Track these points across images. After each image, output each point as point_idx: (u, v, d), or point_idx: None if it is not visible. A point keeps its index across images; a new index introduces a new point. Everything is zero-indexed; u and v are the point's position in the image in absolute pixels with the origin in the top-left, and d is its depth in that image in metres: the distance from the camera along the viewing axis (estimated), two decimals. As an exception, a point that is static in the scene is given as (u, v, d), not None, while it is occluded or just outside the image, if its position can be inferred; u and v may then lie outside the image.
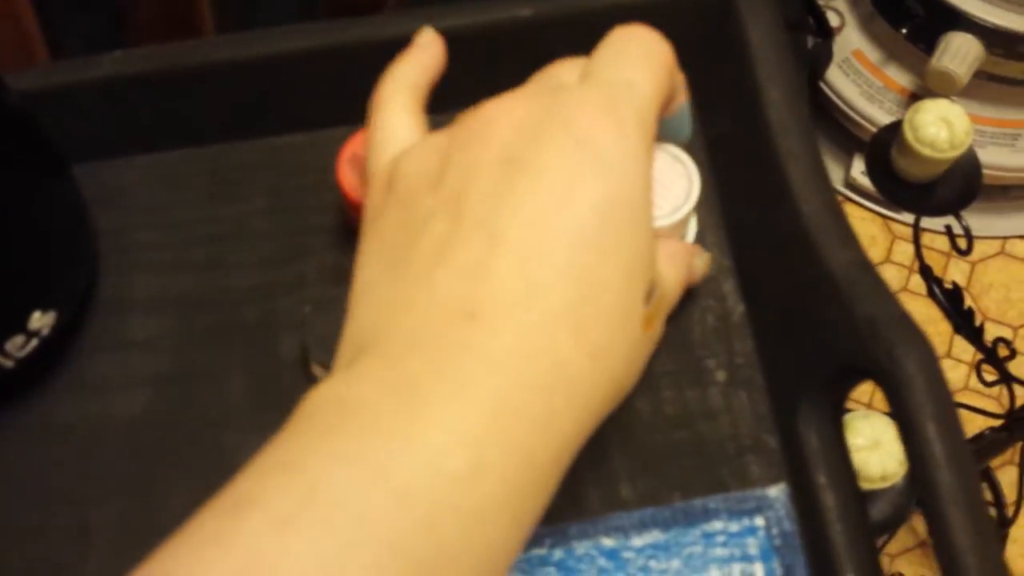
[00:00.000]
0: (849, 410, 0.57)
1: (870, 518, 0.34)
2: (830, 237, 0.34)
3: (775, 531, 0.34)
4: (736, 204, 0.41)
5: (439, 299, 0.24)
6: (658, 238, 0.27)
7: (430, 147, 0.27)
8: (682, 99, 0.30)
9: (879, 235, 1.04)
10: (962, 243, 0.69)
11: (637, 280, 0.25)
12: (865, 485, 0.56)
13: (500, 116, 0.26)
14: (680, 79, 0.29)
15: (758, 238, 0.39)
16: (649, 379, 0.37)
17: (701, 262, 0.33)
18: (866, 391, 0.94)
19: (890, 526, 0.57)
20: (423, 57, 0.31)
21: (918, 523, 0.89)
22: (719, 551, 0.34)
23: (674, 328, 0.38)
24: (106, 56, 0.40)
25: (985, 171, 0.99)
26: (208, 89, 0.40)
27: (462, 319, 0.23)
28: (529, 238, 0.24)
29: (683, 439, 0.36)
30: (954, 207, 0.68)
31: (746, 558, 0.33)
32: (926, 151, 0.65)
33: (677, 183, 0.33)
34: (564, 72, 0.28)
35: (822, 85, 1.03)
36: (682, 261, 0.30)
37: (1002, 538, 0.87)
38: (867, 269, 0.34)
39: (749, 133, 0.38)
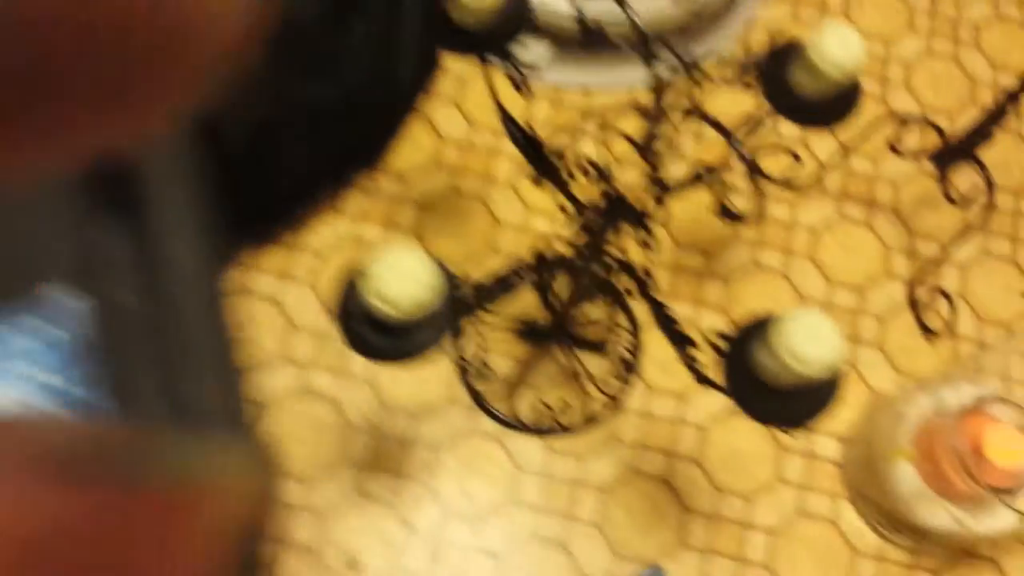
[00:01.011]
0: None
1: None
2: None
3: (73, 340, 0.36)
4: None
5: None
6: None
7: None
8: None
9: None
10: (552, 97, 0.73)
11: None
12: (399, 314, 0.60)
13: None
14: None
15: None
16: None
17: None
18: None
19: (426, 348, 0.61)
20: None
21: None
22: (20, 366, 0.35)
23: None
24: None
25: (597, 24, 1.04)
26: None
27: None
28: None
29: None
30: (503, 42, 0.71)
31: (47, 368, 0.35)
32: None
33: None
34: None
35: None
36: None
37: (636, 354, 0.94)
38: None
39: None
